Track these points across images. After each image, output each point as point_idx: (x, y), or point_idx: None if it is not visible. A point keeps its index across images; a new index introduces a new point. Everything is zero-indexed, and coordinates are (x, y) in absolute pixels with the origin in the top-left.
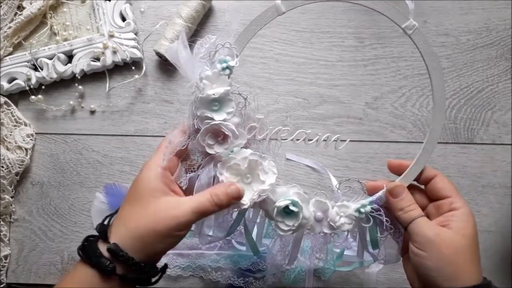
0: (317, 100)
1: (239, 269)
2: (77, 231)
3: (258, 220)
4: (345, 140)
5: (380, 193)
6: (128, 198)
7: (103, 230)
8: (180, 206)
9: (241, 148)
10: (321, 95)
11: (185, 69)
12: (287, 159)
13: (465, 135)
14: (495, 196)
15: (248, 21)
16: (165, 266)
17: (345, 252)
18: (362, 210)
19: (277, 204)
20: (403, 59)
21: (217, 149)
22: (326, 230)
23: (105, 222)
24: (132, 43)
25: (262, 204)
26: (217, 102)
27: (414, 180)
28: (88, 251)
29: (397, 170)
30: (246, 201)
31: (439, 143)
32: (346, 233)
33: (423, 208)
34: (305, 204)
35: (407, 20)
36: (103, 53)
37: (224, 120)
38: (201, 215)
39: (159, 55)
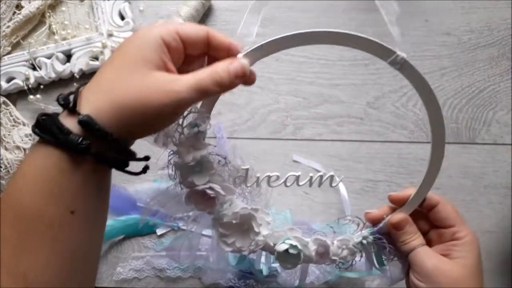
0: (318, 100)
1: (240, 271)
2: None
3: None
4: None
5: (381, 224)
6: (112, 62)
7: (72, 100)
8: (178, 81)
9: (232, 201)
10: (322, 94)
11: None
12: (294, 160)
13: (466, 135)
14: (496, 197)
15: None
16: (147, 158)
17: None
18: (364, 241)
19: (277, 248)
20: None
21: (206, 209)
22: (328, 263)
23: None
24: None
25: (262, 248)
26: (198, 166)
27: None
28: (50, 128)
29: (398, 202)
30: (246, 249)
31: None
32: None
33: (426, 233)
34: (304, 246)
35: (392, 54)
36: (102, 52)
37: (208, 181)
38: (201, 93)
39: None
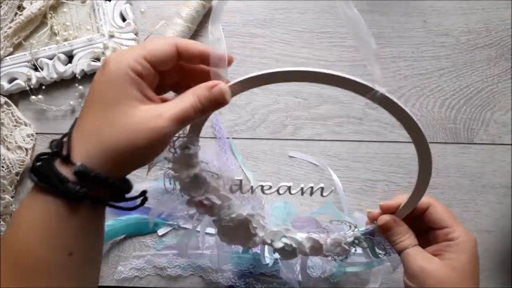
0: (317, 100)
1: (240, 270)
2: None
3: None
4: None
5: (370, 227)
6: (93, 105)
7: (64, 148)
8: (161, 116)
9: (230, 206)
10: (321, 95)
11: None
12: (290, 156)
13: (464, 135)
14: (495, 196)
15: (249, 21)
16: (144, 192)
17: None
18: (356, 241)
19: (274, 245)
20: (403, 59)
21: (207, 213)
22: (323, 257)
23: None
24: (132, 43)
25: (262, 243)
26: (194, 181)
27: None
28: (47, 176)
29: (388, 211)
30: (245, 245)
31: (439, 143)
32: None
33: (422, 234)
34: (298, 244)
35: (370, 90)
36: (103, 53)
37: (204, 192)
38: (184, 124)
39: None
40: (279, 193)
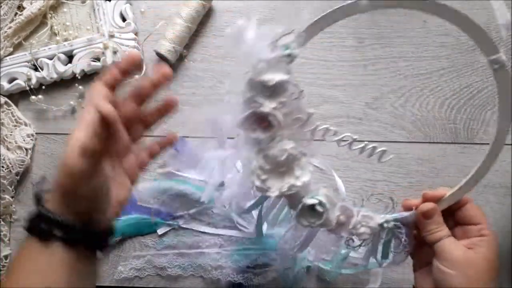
0: (317, 100)
1: (239, 266)
2: None
3: (278, 205)
4: (384, 151)
5: (406, 214)
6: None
7: (39, 198)
8: (69, 155)
9: (283, 138)
10: (321, 95)
11: (248, 47)
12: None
13: (465, 135)
14: (495, 196)
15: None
16: (111, 231)
17: (351, 254)
18: (385, 225)
19: (305, 201)
20: (403, 59)
21: (259, 135)
22: (344, 234)
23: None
24: (132, 43)
25: (289, 197)
26: (271, 89)
27: None
28: (29, 220)
29: (431, 200)
30: (274, 190)
31: (439, 143)
32: (361, 241)
33: (450, 229)
34: (331, 207)
35: (496, 53)
36: (103, 53)
37: (274, 108)
38: (89, 153)
39: (159, 55)
40: (339, 145)
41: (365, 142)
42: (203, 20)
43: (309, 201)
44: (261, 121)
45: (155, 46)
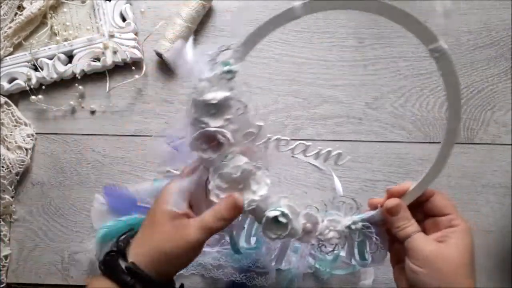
0: (317, 100)
1: (241, 266)
2: (78, 231)
3: (248, 220)
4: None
5: (373, 213)
6: (146, 219)
7: (121, 249)
8: (186, 227)
9: (235, 154)
10: (321, 95)
11: (188, 69)
12: (293, 156)
13: (464, 135)
14: (495, 196)
15: (249, 21)
16: (181, 285)
17: (341, 253)
18: (353, 227)
19: (267, 214)
20: (403, 59)
21: (210, 154)
22: (313, 241)
23: (122, 238)
24: (132, 43)
25: (251, 211)
26: (215, 107)
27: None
28: (110, 266)
29: (396, 195)
30: None
31: (439, 143)
32: (333, 245)
33: (419, 223)
34: (295, 216)
35: (435, 41)
36: (103, 53)
37: (221, 126)
38: (208, 232)
39: (159, 55)
40: (292, 155)
41: (319, 148)
42: (203, 20)
43: (271, 213)
44: (210, 140)
45: (155, 46)
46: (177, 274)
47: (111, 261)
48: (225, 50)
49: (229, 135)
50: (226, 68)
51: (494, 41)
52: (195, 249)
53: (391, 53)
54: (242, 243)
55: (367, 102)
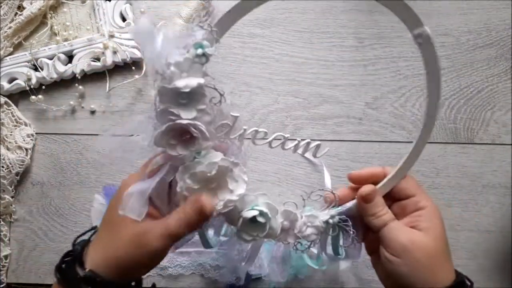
0: (317, 100)
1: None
2: (78, 231)
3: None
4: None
5: (350, 204)
6: (104, 221)
7: (77, 254)
8: (147, 233)
9: (210, 150)
10: (321, 95)
11: (152, 51)
12: (270, 147)
13: (464, 135)
14: (495, 196)
15: (249, 21)
16: (153, 285)
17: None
18: (331, 221)
19: (244, 214)
20: (403, 59)
21: (180, 151)
22: (290, 240)
23: (78, 240)
24: (132, 43)
25: (226, 213)
26: (187, 96)
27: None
28: (67, 274)
29: (358, 181)
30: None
31: (439, 143)
32: (310, 242)
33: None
34: (273, 214)
35: (420, 26)
36: (103, 53)
37: (194, 118)
38: (172, 239)
39: None
40: (270, 146)
41: (298, 139)
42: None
43: (249, 213)
44: (181, 135)
45: None
46: (177, 274)
47: (68, 267)
48: (198, 30)
49: (203, 128)
50: (200, 51)
51: (494, 41)
52: (157, 257)
53: (391, 53)
54: (212, 237)
55: (367, 102)
